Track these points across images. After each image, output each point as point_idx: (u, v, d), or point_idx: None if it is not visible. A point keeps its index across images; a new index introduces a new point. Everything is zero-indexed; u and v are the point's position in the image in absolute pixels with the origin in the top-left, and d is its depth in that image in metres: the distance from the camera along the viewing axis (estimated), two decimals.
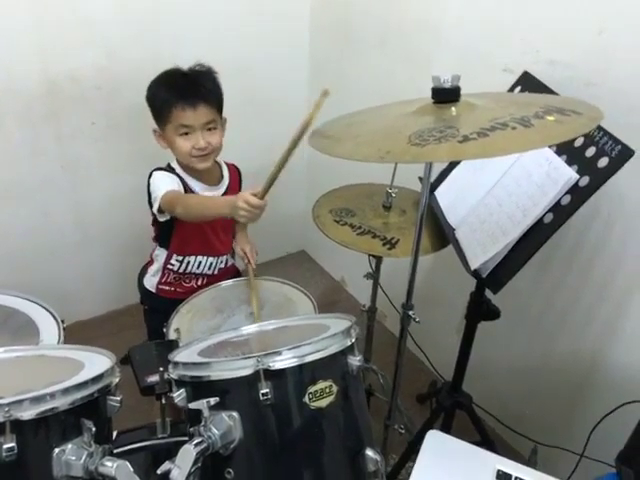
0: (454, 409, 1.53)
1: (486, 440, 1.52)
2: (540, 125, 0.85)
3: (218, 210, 1.30)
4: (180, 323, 1.34)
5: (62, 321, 1.19)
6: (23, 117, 1.85)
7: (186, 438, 0.82)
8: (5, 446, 0.67)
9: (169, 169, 1.46)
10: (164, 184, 1.38)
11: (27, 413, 0.69)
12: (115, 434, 0.95)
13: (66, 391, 0.74)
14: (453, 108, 0.96)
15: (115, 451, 0.89)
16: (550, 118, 0.87)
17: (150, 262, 1.59)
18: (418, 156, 0.83)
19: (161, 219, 1.43)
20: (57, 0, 1.73)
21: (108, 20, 1.84)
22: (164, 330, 1.32)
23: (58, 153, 1.97)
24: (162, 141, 1.44)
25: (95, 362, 0.87)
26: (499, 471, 0.92)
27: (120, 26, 1.86)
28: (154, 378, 1.02)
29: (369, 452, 0.89)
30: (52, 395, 0.72)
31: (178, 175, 1.44)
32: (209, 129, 1.40)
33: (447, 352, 1.56)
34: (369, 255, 1.56)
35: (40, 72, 1.81)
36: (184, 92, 1.36)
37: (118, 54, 1.90)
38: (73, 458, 0.73)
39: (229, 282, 1.52)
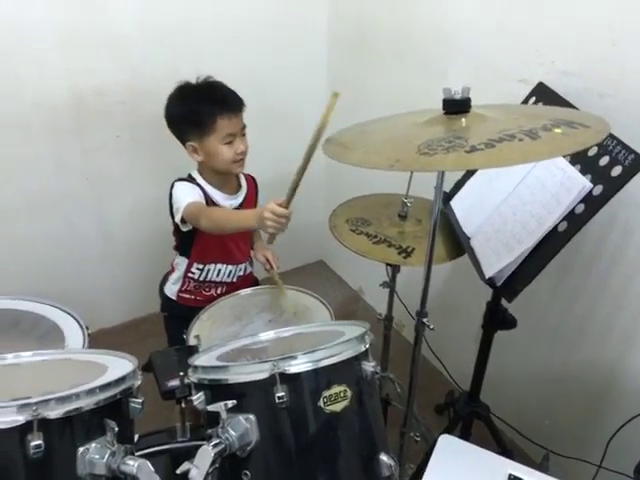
0: (471, 419, 1.53)
1: (504, 450, 1.51)
2: (547, 137, 0.86)
3: (244, 222, 1.31)
4: (200, 330, 1.37)
5: (87, 327, 1.23)
6: (50, 131, 1.92)
7: (205, 442, 0.84)
8: (32, 443, 0.70)
9: (190, 179, 1.48)
10: (186, 195, 1.40)
11: (54, 412, 0.72)
12: (136, 437, 0.98)
13: (91, 392, 0.77)
14: (463, 119, 0.98)
15: (136, 454, 0.91)
16: (557, 130, 0.88)
17: (171, 271, 1.62)
18: (426, 165, 0.85)
19: (184, 229, 1.46)
20: (84, 20, 1.81)
21: (131, 38, 1.91)
22: (184, 337, 1.35)
23: (83, 165, 2.03)
24: (196, 154, 1.45)
25: (118, 365, 0.90)
26: (511, 475, 0.93)
27: (142, 43, 1.94)
28: (174, 382, 1.05)
29: (383, 457, 0.90)
30: (77, 395, 0.75)
31: (199, 185, 1.47)
32: (243, 134, 1.46)
33: (465, 362, 1.56)
34: (386, 264, 1.58)
35: (67, 88, 1.88)
36: (227, 102, 1.40)
37: (141, 70, 1.96)
38: (97, 457, 0.75)
39: (248, 291, 1.55)
